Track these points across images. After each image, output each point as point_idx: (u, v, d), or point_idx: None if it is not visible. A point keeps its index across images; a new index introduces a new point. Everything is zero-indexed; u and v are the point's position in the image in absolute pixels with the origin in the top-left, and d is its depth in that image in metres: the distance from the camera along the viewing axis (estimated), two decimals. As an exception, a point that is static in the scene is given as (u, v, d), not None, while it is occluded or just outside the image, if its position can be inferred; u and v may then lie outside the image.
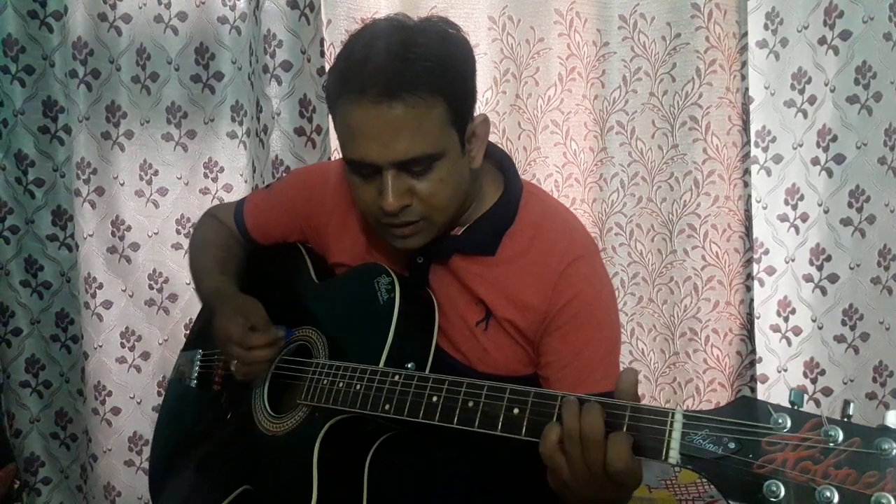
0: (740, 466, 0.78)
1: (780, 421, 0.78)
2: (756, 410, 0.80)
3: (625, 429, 0.87)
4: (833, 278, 2.06)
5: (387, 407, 1.09)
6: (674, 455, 0.83)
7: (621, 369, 0.99)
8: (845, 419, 0.76)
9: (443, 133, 1.12)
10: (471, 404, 1.01)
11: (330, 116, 2.04)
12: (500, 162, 1.30)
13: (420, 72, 1.08)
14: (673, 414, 0.85)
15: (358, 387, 1.13)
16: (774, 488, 0.75)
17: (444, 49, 1.12)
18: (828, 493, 0.73)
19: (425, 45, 1.10)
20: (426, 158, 1.11)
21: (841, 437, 0.74)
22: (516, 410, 0.97)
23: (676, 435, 0.83)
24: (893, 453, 0.72)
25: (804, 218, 2.05)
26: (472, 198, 1.25)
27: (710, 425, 0.82)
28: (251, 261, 1.52)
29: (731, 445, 0.80)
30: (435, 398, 1.04)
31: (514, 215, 1.25)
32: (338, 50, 2.01)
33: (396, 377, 1.10)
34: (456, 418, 1.01)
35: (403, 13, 1.19)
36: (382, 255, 1.32)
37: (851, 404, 0.75)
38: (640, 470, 0.90)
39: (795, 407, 0.79)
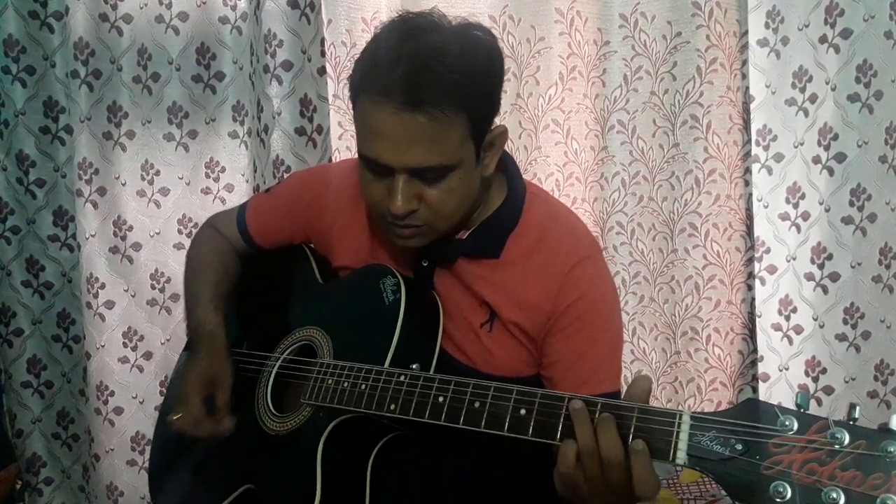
0: (747, 468, 0.79)
1: (786, 423, 0.78)
2: (763, 412, 0.81)
3: (632, 430, 0.88)
4: (834, 277, 2.06)
5: (392, 407, 1.09)
6: (681, 456, 0.84)
7: (625, 370, 0.99)
8: (851, 422, 0.76)
9: (461, 146, 1.11)
10: (477, 405, 1.01)
11: (330, 116, 2.07)
12: (504, 164, 1.29)
13: (448, 85, 1.06)
14: (680, 415, 0.85)
15: (363, 386, 1.13)
16: (781, 489, 0.76)
17: (475, 61, 1.11)
18: (834, 495, 0.73)
19: (456, 55, 1.08)
20: (441, 168, 1.11)
21: (847, 439, 0.75)
22: (523, 411, 0.97)
23: (684, 436, 0.84)
24: (899, 455, 0.72)
25: (805, 216, 2.06)
26: (478, 202, 1.25)
27: (718, 427, 0.83)
28: (256, 261, 1.51)
29: (738, 447, 0.80)
30: (441, 398, 1.05)
31: (518, 217, 1.26)
32: (338, 50, 2.06)
33: (402, 377, 1.10)
34: (462, 419, 1.02)
35: (439, 11, 1.16)
36: (387, 258, 1.31)
37: (857, 407, 0.76)
38: (658, 480, 0.90)
39: (801, 409, 0.79)
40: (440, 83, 1.06)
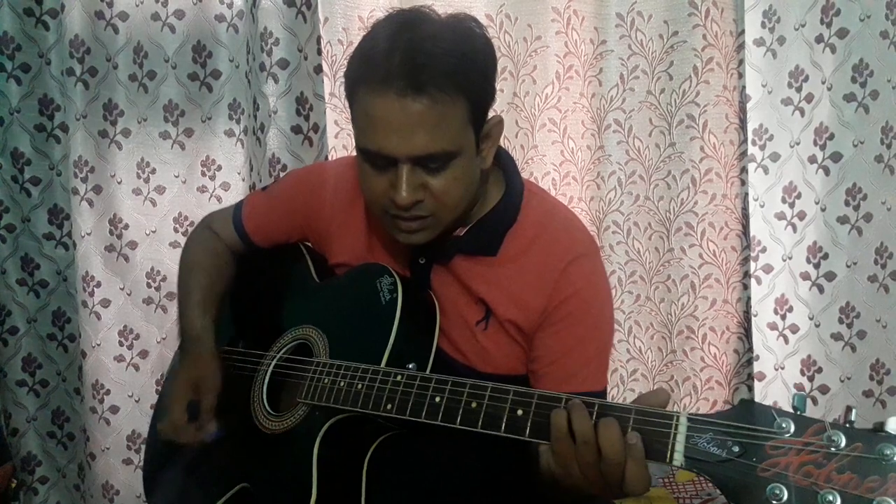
0: (744, 470, 0.79)
1: (783, 425, 0.78)
2: (760, 414, 0.81)
3: (629, 432, 0.88)
4: (830, 276, 2.06)
5: (389, 407, 1.09)
6: (678, 458, 0.84)
7: (620, 370, 0.99)
8: (847, 424, 0.76)
9: (462, 131, 1.11)
10: (474, 405, 1.01)
11: (327, 114, 2.07)
12: (501, 161, 1.29)
13: (447, 68, 1.07)
14: (677, 417, 0.85)
15: (359, 386, 1.13)
16: (778, 492, 0.76)
17: (471, 47, 1.12)
18: (830, 498, 0.74)
19: (453, 40, 1.09)
20: (444, 155, 1.10)
21: (843, 442, 0.75)
22: (520, 412, 0.97)
23: (681, 438, 0.84)
24: (895, 459, 0.72)
25: (801, 216, 2.06)
26: (477, 198, 1.25)
27: (715, 429, 0.83)
28: (251, 260, 1.51)
29: (735, 449, 0.80)
30: (437, 398, 1.04)
31: (515, 215, 1.25)
32: (335, 48, 2.06)
33: (398, 377, 1.10)
34: (459, 419, 1.01)
35: (429, 6, 1.17)
36: (384, 256, 1.31)
37: (854, 410, 0.76)
38: (649, 476, 0.90)
39: (798, 412, 0.79)
40: (439, 66, 1.06)
